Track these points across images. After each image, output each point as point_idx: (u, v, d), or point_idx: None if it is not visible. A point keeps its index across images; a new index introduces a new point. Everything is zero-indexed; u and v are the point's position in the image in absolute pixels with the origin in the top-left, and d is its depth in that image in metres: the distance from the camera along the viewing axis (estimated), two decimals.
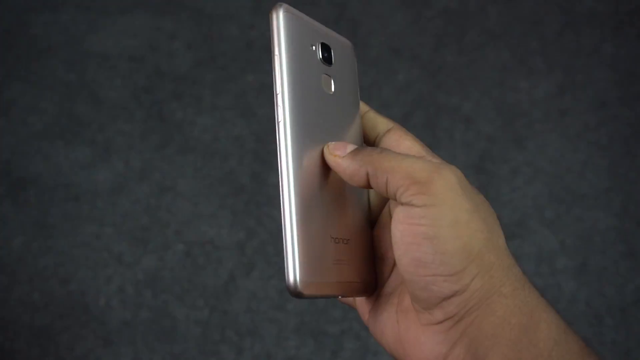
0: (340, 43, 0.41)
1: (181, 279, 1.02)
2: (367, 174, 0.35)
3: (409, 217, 0.33)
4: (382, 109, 1.17)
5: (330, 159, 0.37)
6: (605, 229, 1.06)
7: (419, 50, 1.22)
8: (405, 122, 1.15)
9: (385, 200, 0.40)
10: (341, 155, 0.37)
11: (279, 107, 0.36)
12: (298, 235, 0.35)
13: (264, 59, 1.21)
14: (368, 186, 0.36)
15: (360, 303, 0.40)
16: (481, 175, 1.11)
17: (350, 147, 0.37)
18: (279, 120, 0.36)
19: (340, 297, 0.38)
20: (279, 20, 0.37)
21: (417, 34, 1.24)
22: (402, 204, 0.34)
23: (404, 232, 0.34)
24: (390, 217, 0.37)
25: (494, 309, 0.33)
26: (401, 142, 0.38)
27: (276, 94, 0.36)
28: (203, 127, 1.15)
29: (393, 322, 0.37)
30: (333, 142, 0.38)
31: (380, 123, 0.40)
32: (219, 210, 1.08)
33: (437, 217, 0.33)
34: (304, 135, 0.37)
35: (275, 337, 0.99)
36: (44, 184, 1.10)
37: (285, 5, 0.38)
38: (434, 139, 1.14)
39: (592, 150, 1.13)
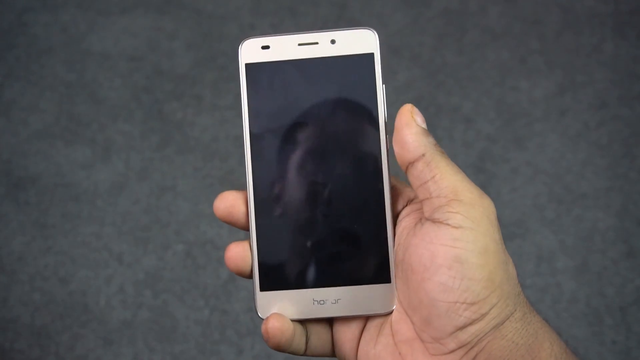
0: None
1: (181, 279, 1.02)
2: (422, 158, 0.35)
3: (442, 237, 0.33)
4: None
5: (405, 121, 0.36)
6: (605, 229, 1.06)
7: (419, 50, 1.22)
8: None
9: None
10: (419, 124, 0.36)
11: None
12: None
13: None
14: (405, 168, 0.35)
15: (341, 338, 0.38)
16: (481, 175, 1.11)
17: (422, 122, 0.37)
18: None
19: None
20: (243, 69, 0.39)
21: (417, 34, 1.24)
22: (434, 220, 0.34)
23: (436, 253, 0.33)
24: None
25: (505, 334, 0.33)
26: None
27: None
28: (203, 127, 1.15)
29: (394, 355, 0.36)
30: (416, 108, 0.37)
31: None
32: None
33: (471, 241, 0.33)
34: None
35: None
36: (44, 184, 1.10)
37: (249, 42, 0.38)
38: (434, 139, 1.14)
39: (592, 150, 1.13)
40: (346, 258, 0.38)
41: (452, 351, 0.34)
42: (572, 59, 1.21)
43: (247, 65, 0.38)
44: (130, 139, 1.14)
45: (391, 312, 0.37)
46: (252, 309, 1.01)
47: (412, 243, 0.35)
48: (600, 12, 1.25)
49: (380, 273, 0.37)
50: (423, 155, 0.35)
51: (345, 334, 0.38)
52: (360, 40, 0.38)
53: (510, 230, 1.06)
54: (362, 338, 0.38)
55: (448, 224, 0.33)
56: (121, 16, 1.25)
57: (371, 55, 0.38)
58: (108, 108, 1.16)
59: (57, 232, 1.06)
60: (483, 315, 0.33)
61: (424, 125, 0.36)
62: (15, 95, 1.18)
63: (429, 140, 0.36)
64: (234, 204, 0.38)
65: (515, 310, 0.34)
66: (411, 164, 0.36)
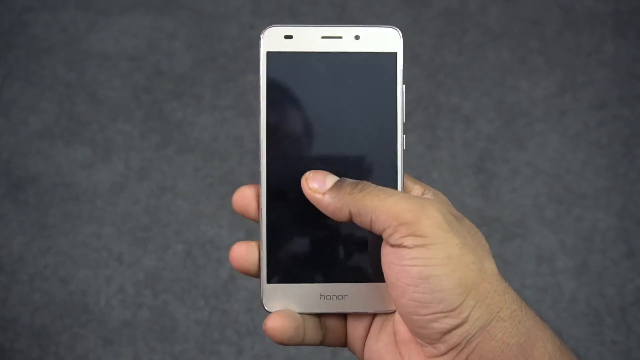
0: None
1: (181, 279, 1.02)
2: (350, 214, 0.35)
3: (401, 258, 0.33)
4: None
5: (309, 194, 0.36)
6: (605, 229, 1.06)
7: (419, 50, 1.22)
8: (405, 122, 1.15)
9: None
10: (321, 192, 0.36)
11: None
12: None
13: None
14: (352, 221, 0.36)
15: (352, 335, 0.39)
16: (481, 175, 1.11)
17: (330, 180, 0.36)
18: None
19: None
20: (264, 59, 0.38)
21: (417, 34, 1.24)
22: (391, 245, 0.34)
23: (399, 275, 0.34)
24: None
25: (493, 334, 0.34)
26: None
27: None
28: (203, 127, 1.15)
29: (393, 354, 0.37)
30: (311, 172, 0.37)
31: None
32: (219, 210, 1.08)
33: (429, 256, 0.33)
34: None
35: None
36: (44, 184, 1.10)
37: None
38: (434, 139, 1.14)
39: (592, 150, 1.13)
40: (354, 255, 0.38)
41: (444, 353, 0.34)
42: (572, 59, 1.21)
43: (268, 53, 0.38)
44: (130, 139, 1.14)
45: (394, 311, 0.38)
46: (259, 302, 1.01)
47: (382, 262, 0.35)
48: (600, 12, 1.25)
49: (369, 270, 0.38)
50: (349, 212, 0.35)
51: (357, 330, 0.39)
52: (384, 39, 0.38)
53: (510, 230, 1.06)
54: (369, 333, 0.39)
55: (404, 246, 0.33)
56: (121, 16, 1.25)
57: (394, 54, 0.38)
58: (108, 108, 1.16)
59: (57, 232, 1.06)
60: (465, 319, 0.33)
61: (328, 181, 0.36)
62: (15, 95, 1.18)
63: (344, 192, 0.35)
64: (251, 202, 0.39)
65: (501, 309, 0.34)
66: (348, 220, 0.36)
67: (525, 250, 1.05)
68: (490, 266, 0.35)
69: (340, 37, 0.38)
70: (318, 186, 0.36)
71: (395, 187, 0.37)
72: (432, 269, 0.33)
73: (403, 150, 0.38)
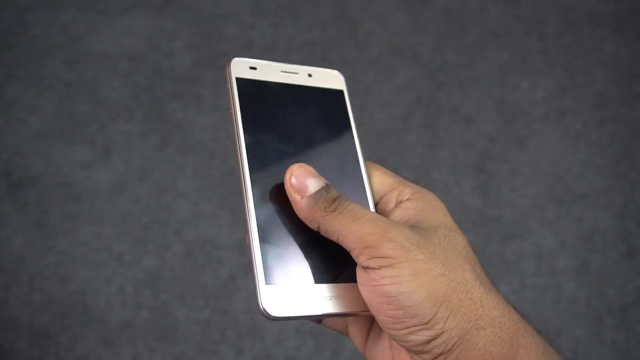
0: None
1: (181, 279, 1.02)
2: (319, 229, 0.37)
3: (371, 279, 0.35)
4: (382, 109, 1.18)
5: (288, 190, 0.38)
6: (605, 229, 1.06)
7: (419, 50, 1.22)
8: (405, 122, 1.15)
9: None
10: (300, 194, 0.37)
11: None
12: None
13: (264, 58, 1.21)
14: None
15: (354, 329, 0.41)
16: (481, 175, 1.11)
17: (313, 185, 0.37)
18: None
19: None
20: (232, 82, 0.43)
21: (417, 34, 1.24)
22: (362, 267, 0.35)
23: (372, 294, 0.35)
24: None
25: (475, 343, 0.34)
26: (373, 178, 0.40)
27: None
28: (203, 127, 1.15)
29: (388, 359, 0.38)
30: (298, 167, 0.37)
31: None
32: (219, 210, 1.08)
33: (395, 274, 0.34)
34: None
35: (275, 337, 0.99)
36: (44, 184, 1.10)
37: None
38: (434, 139, 1.14)
39: (592, 150, 1.13)
40: (342, 256, 0.38)
41: None
42: (572, 59, 1.21)
43: (237, 79, 0.43)
44: (130, 139, 1.14)
45: None
46: (255, 305, 1.01)
47: (358, 284, 0.37)
48: (600, 12, 1.25)
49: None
50: (318, 226, 0.37)
51: (358, 326, 0.41)
52: (331, 78, 0.44)
53: (510, 230, 1.06)
54: (370, 334, 0.40)
55: (371, 268, 0.35)
56: (121, 16, 1.25)
57: (341, 91, 0.44)
58: (108, 108, 1.16)
59: (57, 232, 1.06)
60: (441, 329, 0.34)
61: (310, 186, 0.37)
62: (15, 95, 1.18)
63: (317, 208, 0.37)
64: None
65: (479, 317, 0.34)
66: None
67: (525, 250, 1.05)
68: (464, 273, 0.35)
69: (297, 73, 0.43)
70: (298, 187, 0.37)
71: (366, 201, 0.40)
72: (400, 286, 0.34)
73: (365, 170, 0.41)
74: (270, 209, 0.39)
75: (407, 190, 0.39)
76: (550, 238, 1.06)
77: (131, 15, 1.25)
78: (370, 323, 0.40)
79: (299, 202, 0.37)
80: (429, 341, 0.34)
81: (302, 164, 0.37)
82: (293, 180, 0.37)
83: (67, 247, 1.05)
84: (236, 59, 0.43)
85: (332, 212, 0.36)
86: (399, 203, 0.39)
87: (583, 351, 0.97)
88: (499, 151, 1.13)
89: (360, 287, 0.36)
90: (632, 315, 1.00)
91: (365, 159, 0.42)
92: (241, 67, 0.43)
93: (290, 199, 0.37)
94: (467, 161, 1.12)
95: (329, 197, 0.37)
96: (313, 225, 0.37)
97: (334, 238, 0.36)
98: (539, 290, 1.02)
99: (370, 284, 0.35)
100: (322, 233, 0.37)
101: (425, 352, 0.35)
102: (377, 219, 0.36)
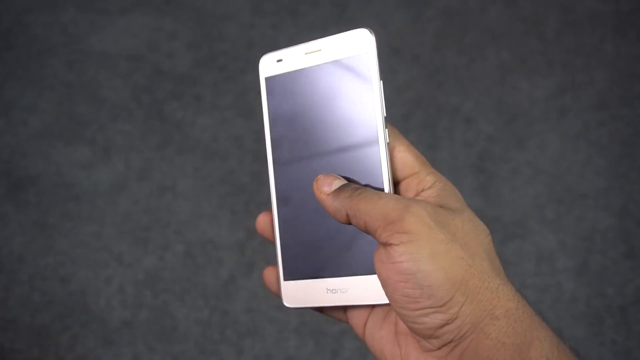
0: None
1: (181, 279, 1.02)
2: (348, 216, 0.38)
3: (390, 257, 0.35)
4: None
5: (317, 194, 0.39)
6: (605, 229, 1.06)
7: (419, 50, 1.22)
8: (405, 122, 1.15)
9: None
10: (326, 193, 0.39)
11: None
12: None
13: None
14: (351, 223, 0.38)
15: (353, 316, 0.42)
16: (481, 175, 1.11)
17: (337, 183, 0.39)
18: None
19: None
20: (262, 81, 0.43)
21: (417, 34, 1.24)
22: (382, 244, 0.36)
23: (389, 272, 0.35)
24: None
25: (488, 332, 0.34)
26: (395, 154, 0.40)
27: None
28: (203, 127, 1.15)
29: (393, 344, 0.38)
30: (322, 175, 0.40)
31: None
32: (219, 210, 1.08)
33: (414, 251, 0.34)
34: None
35: (275, 337, 0.99)
36: (44, 184, 1.10)
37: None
38: (434, 139, 1.14)
39: (592, 150, 1.13)
40: (354, 250, 0.40)
41: (438, 349, 0.35)
42: (572, 59, 1.21)
43: (266, 79, 0.44)
44: (130, 139, 1.14)
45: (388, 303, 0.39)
46: (258, 302, 1.01)
47: (375, 264, 0.37)
48: (600, 12, 1.25)
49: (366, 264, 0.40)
50: (347, 214, 0.38)
51: (358, 312, 0.42)
52: (358, 41, 0.40)
53: (510, 230, 1.06)
54: (369, 319, 0.41)
55: (391, 244, 0.35)
56: (121, 16, 1.25)
57: (368, 54, 0.40)
58: (108, 108, 1.16)
59: (57, 232, 1.06)
60: (455, 314, 0.34)
61: (334, 184, 0.39)
62: (15, 95, 1.18)
63: (344, 196, 0.38)
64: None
65: (495, 306, 0.34)
66: (348, 223, 0.39)
67: (525, 250, 1.05)
68: (483, 262, 0.35)
69: (320, 50, 0.42)
70: (325, 188, 0.39)
71: (381, 183, 0.40)
72: (419, 264, 0.34)
73: (387, 143, 0.40)
74: (290, 210, 0.42)
75: (429, 179, 0.39)
76: (550, 238, 1.06)
77: (131, 15, 1.25)
78: (370, 308, 0.41)
79: (327, 199, 0.38)
80: (442, 326, 0.34)
81: (324, 174, 0.40)
82: (319, 185, 0.39)
83: (66, 247, 1.05)
84: (265, 56, 0.43)
85: (358, 195, 0.37)
86: (419, 192, 0.39)
87: (583, 351, 0.97)
88: (499, 151, 1.13)
89: (378, 266, 0.36)
90: (632, 315, 1.00)
91: (389, 123, 0.40)
92: (269, 64, 0.43)
93: (319, 199, 0.39)
94: (467, 161, 1.12)
95: (352, 187, 0.38)
96: (342, 215, 0.38)
97: (361, 222, 0.37)
98: (538, 290, 1.02)
99: (390, 261, 0.35)
100: (352, 220, 0.37)
101: (436, 338, 0.34)
102: (402, 197, 0.37)
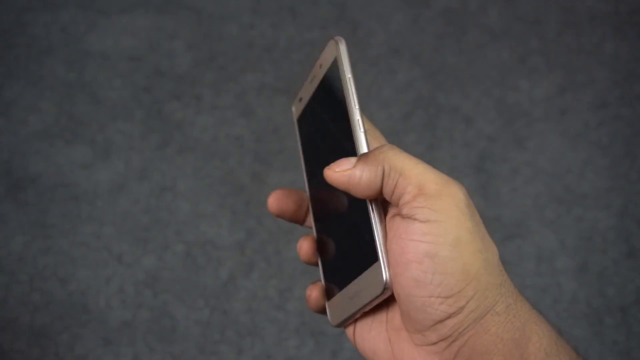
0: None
1: (181, 279, 1.02)
2: (384, 174, 0.34)
3: (411, 232, 0.32)
4: (382, 109, 1.18)
5: (338, 177, 0.35)
6: (605, 229, 1.06)
7: (419, 50, 1.22)
8: (405, 122, 1.15)
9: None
10: (350, 167, 0.35)
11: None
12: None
13: (264, 58, 1.21)
14: (379, 194, 0.34)
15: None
16: (481, 175, 1.11)
17: (352, 159, 0.35)
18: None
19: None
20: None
21: (417, 34, 1.24)
22: (403, 216, 0.33)
23: (405, 249, 0.33)
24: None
25: (487, 328, 0.33)
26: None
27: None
28: (203, 127, 1.15)
29: (385, 342, 0.37)
30: (334, 163, 0.36)
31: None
32: (219, 210, 1.08)
33: (440, 234, 0.32)
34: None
35: (275, 337, 0.99)
36: (44, 184, 1.10)
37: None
38: (434, 139, 1.14)
39: (592, 150, 1.13)
40: (354, 248, 0.39)
41: (434, 343, 0.33)
42: (572, 59, 1.21)
43: (297, 121, 0.47)
44: (130, 139, 1.14)
45: (384, 290, 0.35)
46: (258, 302, 1.01)
47: (389, 236, 0.34)
48: (600, 12, 1.25)
49: (367, 258, 0.37)
50: (383, 173, 0.34)
51: None
52: (330, 54, 0.40)
53: (510, 230, 1.06)
54: (357, 323, 0.39)
55: (416, 219, 0.32)
56: (121, 16, 1.25)
57: (336, 60, 0.39)
58: (108, 108, 1.16)
59: (57, 232, 1.06)
60: (461, 309, 0.32)
61: (351, 159, 0.35)
62: (15, 95, 1.18)
63: (376, 154, 0.34)
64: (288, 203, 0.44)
65: (497, 302, 0.33)
66: (376, 193, 0.35)
67: (525, 250, 1.05)
68: (493, 255, 0.34)
69: (314, 76, 0.43)
70: (345, 165, 0.35)
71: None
72: (439, 248, 0.32)
73: (364, 131, 0.37)
74: (323, 233, 0.43)
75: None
76: (550, 238, 1.06)
77: (131, 15, 1.25)
78: None
79: (353, 172, 0.34)
80: (444, 319, 0.32)
81: (336, 161, 0.36)
82: (336, 168, 0.35)
83: (66, 247, 1.05)
84: (294, 102, 0.46)
85: (391, 149, 0.34)
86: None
87: (583, 351, 0.97)
88: (499, 151, 1.13)
89: (393, 240, 0.33)
90: (632, 315, 1.00)
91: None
92: (298, 106, 0.47)
93: (342, 182, 0.35)
94: (467, 161, 1.12)
95: (378, 147, 0.36)
96: (377, 181, 0.34)
97: (393, 181, 0.33)
98: (538, 290, 1.02)
99: (409, 237, 0.32)
100: (385, 180, 0.34)
101: (435, 330, 0.33)
102: (440, 172, 0.34)
